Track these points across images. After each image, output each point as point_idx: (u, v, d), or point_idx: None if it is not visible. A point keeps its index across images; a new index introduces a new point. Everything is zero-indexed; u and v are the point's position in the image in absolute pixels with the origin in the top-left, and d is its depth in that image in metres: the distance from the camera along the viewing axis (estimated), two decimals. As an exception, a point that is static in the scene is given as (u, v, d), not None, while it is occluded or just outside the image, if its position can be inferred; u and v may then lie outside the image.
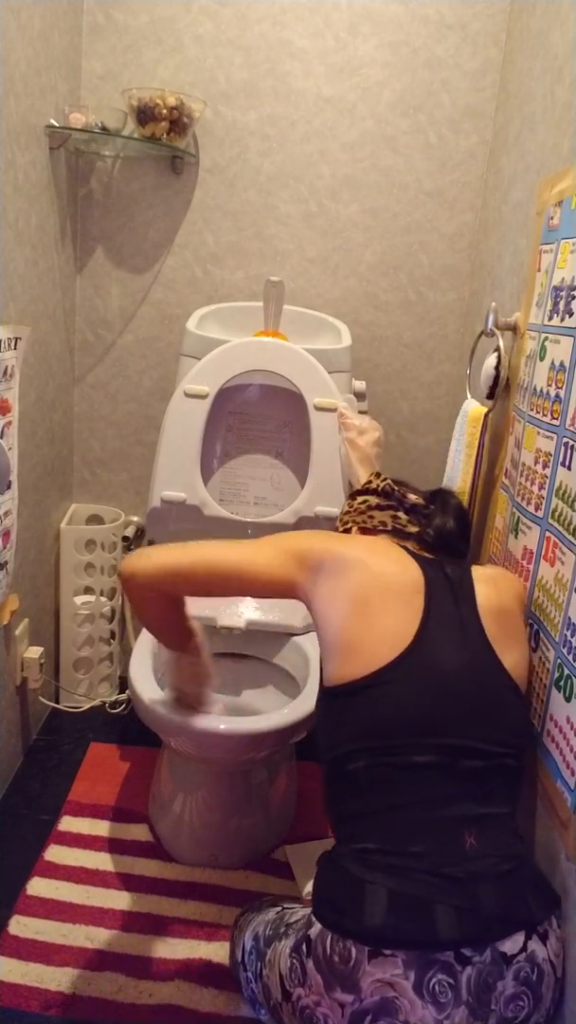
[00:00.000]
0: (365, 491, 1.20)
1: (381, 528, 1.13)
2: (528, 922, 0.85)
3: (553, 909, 0.89)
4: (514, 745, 0.96)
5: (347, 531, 1.17)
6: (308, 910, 0.96)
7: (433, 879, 0.85)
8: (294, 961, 0.88)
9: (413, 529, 1.11)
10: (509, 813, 0.94)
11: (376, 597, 0.96)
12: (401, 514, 1.13)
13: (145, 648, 1.49)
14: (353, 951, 0.82)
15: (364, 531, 1.15)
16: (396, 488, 1.17)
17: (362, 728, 0.92)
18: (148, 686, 1.34)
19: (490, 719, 0.94)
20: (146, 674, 1.38)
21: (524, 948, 0.84)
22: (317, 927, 0.87)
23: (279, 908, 1.04)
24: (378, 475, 1.23)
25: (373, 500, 1.17)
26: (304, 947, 0.87)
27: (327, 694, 0.97)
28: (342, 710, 0.94)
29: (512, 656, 0.99)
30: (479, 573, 1.06)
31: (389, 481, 1.19)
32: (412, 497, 1.16)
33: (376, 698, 0.92)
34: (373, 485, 1.20)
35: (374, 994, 0.80)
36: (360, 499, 1.19)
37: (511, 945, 0.84)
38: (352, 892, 0.85)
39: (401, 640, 0.94)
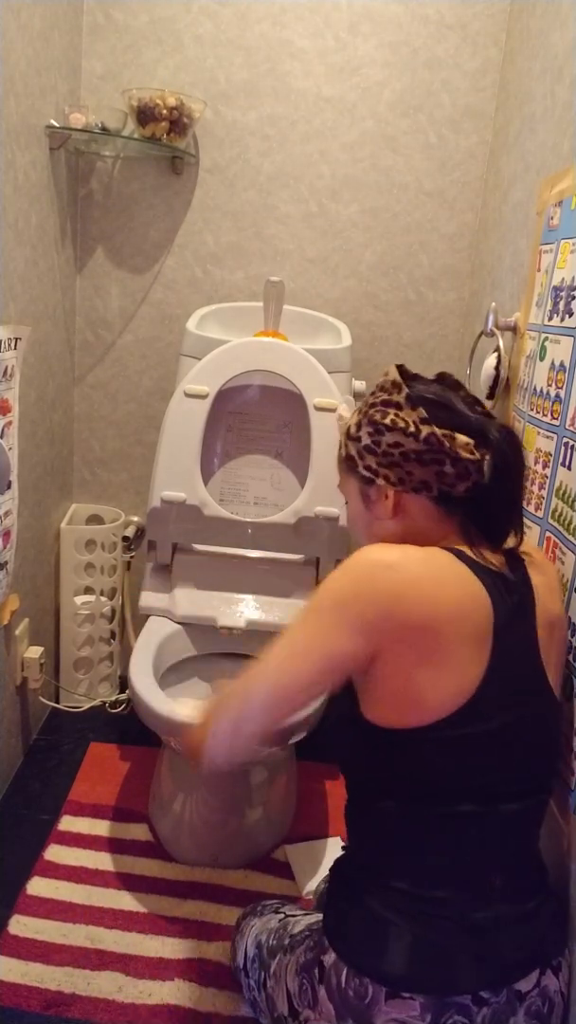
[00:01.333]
0: (394, 427, 0.90)
1: (423, 490, 0.90)
2: (543, 959, 0.85)
3: (568, 942, 0.88)
4: (550, 774, 0.91)
5: (371, 481, 0.92)
6: (311, 919, 0.96)
7: (456, 927, 0.83)
8: (304, 982, 0.87)
9: (462, 488, 0.88)
10: (535, 846, 0.92)
11: (442, 644, 0.81)
12: (447, 468, 0.88)
13: (145, 648, 1.49)
14: (371, 989, 0.80)
15: (399, 497, 0.91)
16: (442, 436, 0.88)
17: (405, 771, 0.84)
18: (148, 686, 1.34)
19: (534, 754, 0.88)
20: (146, 674, 1.38)
21: (538, 983, 0.84)
22: (331, 955, 0.85)
23: (281, 916, 1.04)
24: (403, 383, 0.92)
25: (410, 445, 0.89)
26: (317, 972, 0.85)
27: (371, 729, 0.85)
28: (387, 750, 0.85)
29: (552, 663, 0.90)
30: (534, 574, 0.92)
31: (428, 424, 0.88)
32: (461, 444, 0.88)
33: (432, 751, 0.82)
34: (404, 423, 0.89)
35: None
36: (391, 438, 0.90)
37: (526, 983, 0.83)
38: (374, 931, 0.83)
39: (465, 689, 0.81)
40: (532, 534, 1.09)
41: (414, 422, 0.89)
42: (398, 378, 0.92)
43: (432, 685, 0.81)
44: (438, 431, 0.88)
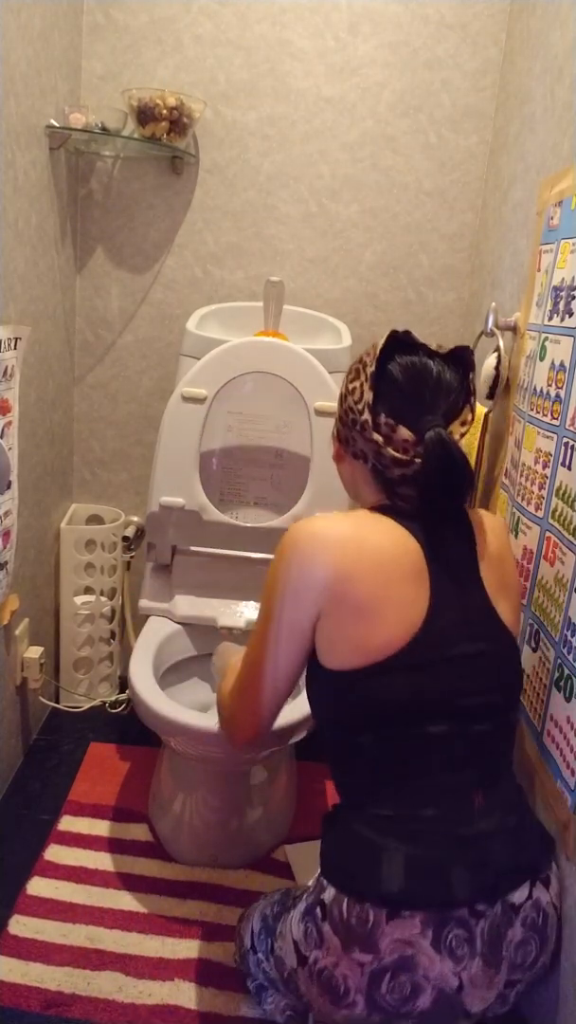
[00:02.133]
0: (351, 394, 0.96)
1: (360, 458, 0.96)
2: (532, 870, 0.90)
3: (552, 854, 0.94)
4: (515, 695, 0.97)
5: (336, 439, 1.01)
6: (315, 875, 0.97)
7: (446, 841, 0.87)
8: (308, 925, 0.89)
9: (397, 473, 0.93)
10: (510, 765, 0.97)
11: (378, 588, 0.88)
12: (387, 451, 0.92)
13: (145, 648, 1.49)
14: (371, 913, 0.83)
15: (341, 451, 1.00)
16: (384, 420, 0.92)
17: (372, 707, 0.89)
18: (148, 686, 1.34)
19: (495, 675, 0.93)
20: (146, 674, 1.38)
21: (530, 895, 0.88)
22: (331, 891, 0.87)
23: (283, 890, 1.06)
24: (377, 355, 0.94)
25: (357, 417, 0.94)
26: (319, 911, 0.88)
27: (329, 675, 0.90)
28: (348, 690, 0.90)
29: (504, 605, 0.96)
30: (475, 519, 0.98)
31: (372, 412, 0.92)
32: (398, 439, 0.92)
33: (391, 681, 0.88)
34: (358, 396, 0.94)
35: (393, 952, 0.82)
36: (348, 402, 0.96)
37: (518, 895, 0.88)
38: (368, 857, 0.86)
39: (413, 622, 0.88)
40: (532, 534, 1.09)
41: (366, 402, 0.93)
42: (379, 346, 0.94)
43: (379, 624, 0.87)
44: (381, 420, 0.92)
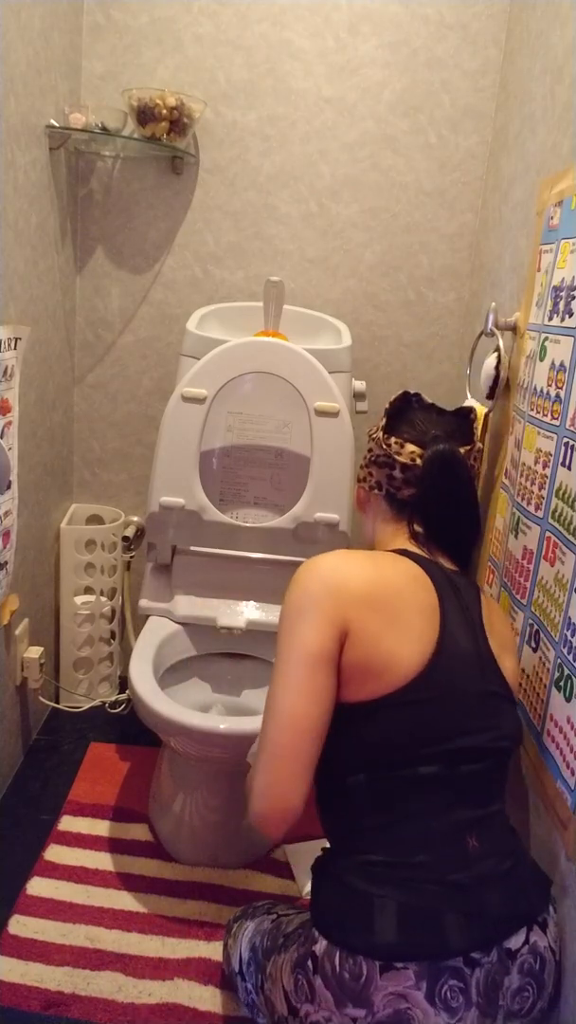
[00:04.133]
0: (371, 437, 1.12)
1: (376, 489, 1.08)
2: (529, 916, 0.87)
3: (549, 897, 0.91)
4: (513, 744, 0.98)
5: (358, 478, 1.14)
6: (304, 916, 0.96)
7: (440, 888, 0.85)
8: (299, 978, 0.87)
9: (407, 493, 1.05)
10: (502, 809, 0.96)
11: (396, 611, 0.91)
12: (396, 473, 1.05)
13: (145, 648, 1.49)
14: (364, 967, 0.81)
15: (363, 493, 1.12)
16: (388, 443, 1.06)
17: (371, 744, 0.89)
18: (148, 687, 1.34)
19: (496, 718, 0.95)
20: (146, 674, 1.38)
21: (527, 941, 0.86)
22: (322, 943, 0.85)
23: (274, 916, 1.04)
24: (387, 414, 1.11)
25: (374, 449, 1.09)
26: (310, 964, 0.86)
27: (338, 708, 0.89)
28: (348, 726, 0.89)
29: (506, 664, 1.00)
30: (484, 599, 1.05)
31: (381, 432, 1.08)
32: (407, 452, 1.05)
33: (396, 716, 0.88)
34: (373, 432, 1.11)
35: (387, 1007, 0.80)
36: (369, 444, 1.12)
37: (515, 941, 0.85)
38: (359, 907, 0.84)
39: (424, 654, 0.89)
40: (532, 534, 1.09)
41: (379, 428, 1.10)
42: (388, 407, 1.11)
43: (396, 648, 0.88)
44: (389, 438, 1.07)
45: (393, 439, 1.06)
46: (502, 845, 0.91)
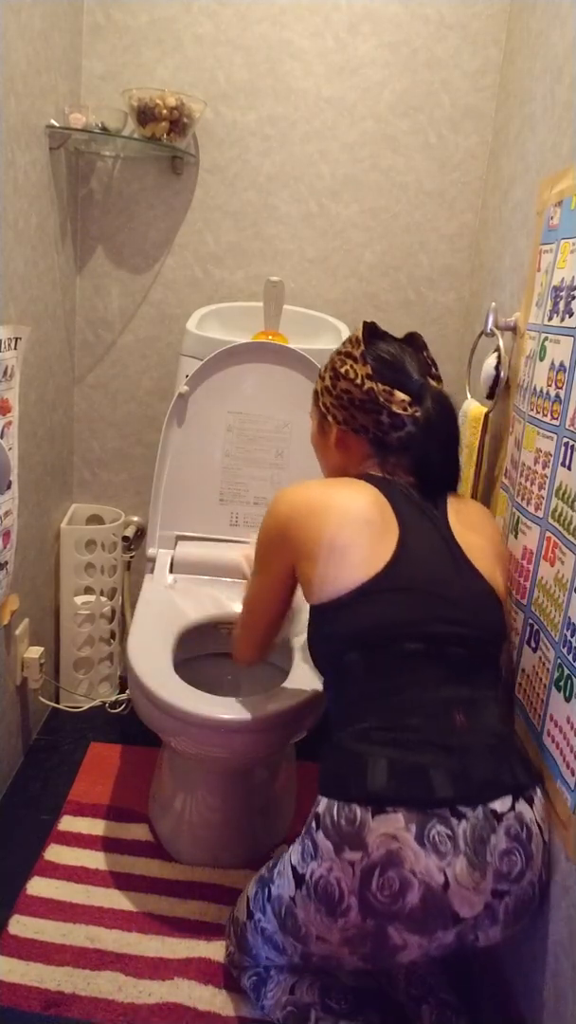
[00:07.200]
0: (346, 376, 1.11)
1: (362, 432, 1.11)
2: (515, 787, 0.93)
3: (536, 780, 0.97)
4: (495, 636, 1.05)
5: (325, 416, 1.15)
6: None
7: (428, 748, 0.93)
8: (305, 842, 0.95)
9: (394, 437, 1.09)
10: (493, 697, 1.02)
11: (346, 533, 1.02)
12: (384, 418, 1.09)
13: (144, 647, 1.49)
14: (358, 812, 0.89)
15: (342, 433, 1.13)
16: (381, 390, 1.09)
17: (354, 631, 0.99)
18: (147, 686, 1.34)
19: (471, 614, 1.02)
20: (145, 674, 1.38)
21: (512, 808, 0.92)
22: (323, 803, 0.93)
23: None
24: (362, 340, 1.12)
25: (356, 393, 1.10)
26: (313, 824, 0.94)
27: (316, 611, 1.04)
28: (333, 620, 1.01)
29: (488, 567, 1.07)
30: (455, 498, 1.13)
31: (373, 380, 1.09)
32: (397, 400, 1.09)
33: (365, 607, 0.99)
34: (354, 374, 1.10)
35: (380, 847, 0.88)
36: (343, 385, 1.11)
37: (500, 804, 0.92)
38: (355, 765, 0.93)
39: (383, 555, 1.00)
40: (532, 534, 1.09)
41: (363, 376, 1.09)
42: (360, 335, 1.12)
43: (347, 561, 1.00)
44: (379, 386, 1.08)
45: (380, 386, 1.09)
46: (489, 727, 0.97)
